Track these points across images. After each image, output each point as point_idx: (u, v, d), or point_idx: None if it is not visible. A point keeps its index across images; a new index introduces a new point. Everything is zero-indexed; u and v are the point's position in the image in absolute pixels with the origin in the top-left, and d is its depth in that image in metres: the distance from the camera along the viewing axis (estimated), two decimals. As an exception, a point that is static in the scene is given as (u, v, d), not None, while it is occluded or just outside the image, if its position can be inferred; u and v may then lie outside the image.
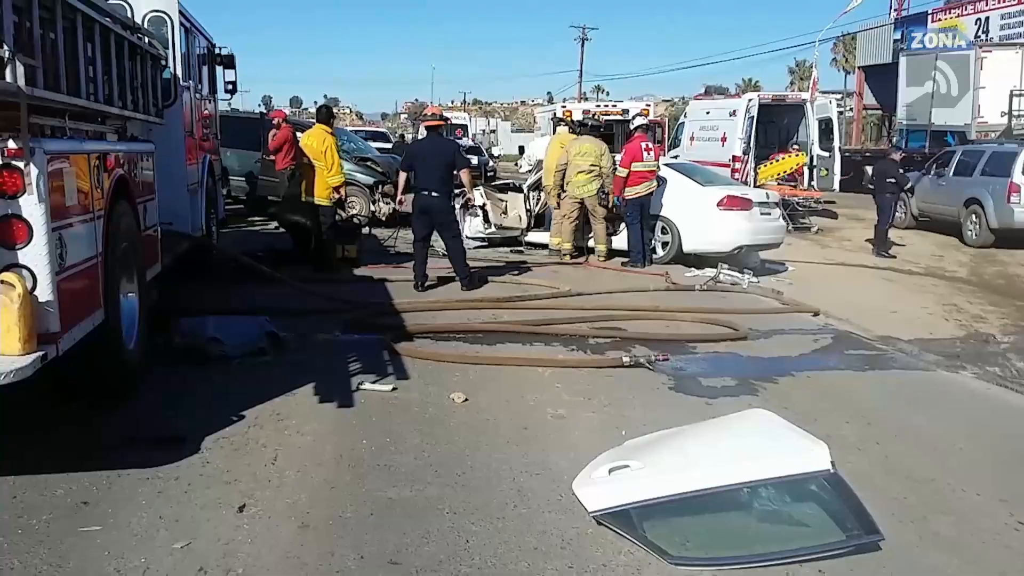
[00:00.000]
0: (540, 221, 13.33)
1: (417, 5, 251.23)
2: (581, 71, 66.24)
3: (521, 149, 25.66)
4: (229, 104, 15.26)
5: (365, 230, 12.85)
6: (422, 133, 12.26)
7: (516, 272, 10.77)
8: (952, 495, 4.36)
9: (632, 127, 12.64)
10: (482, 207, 12.94)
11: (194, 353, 6.28)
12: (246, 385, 5.68)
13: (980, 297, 11.36)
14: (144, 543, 3.55)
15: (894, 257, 14.30)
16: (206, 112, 10.35)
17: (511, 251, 12.83)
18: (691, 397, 5.88)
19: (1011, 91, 23.35)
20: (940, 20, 31.88)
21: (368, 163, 16.69)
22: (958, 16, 31.03)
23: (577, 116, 17.47)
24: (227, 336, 6.51)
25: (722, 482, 3.76)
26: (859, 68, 40.50)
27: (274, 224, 13.58)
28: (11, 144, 3.71)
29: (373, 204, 15.56)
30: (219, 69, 11.01)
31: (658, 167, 11.90)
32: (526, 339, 7.35)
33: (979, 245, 16.04)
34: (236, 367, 6.16)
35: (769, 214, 12.20)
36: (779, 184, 18.34)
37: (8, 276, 3.68)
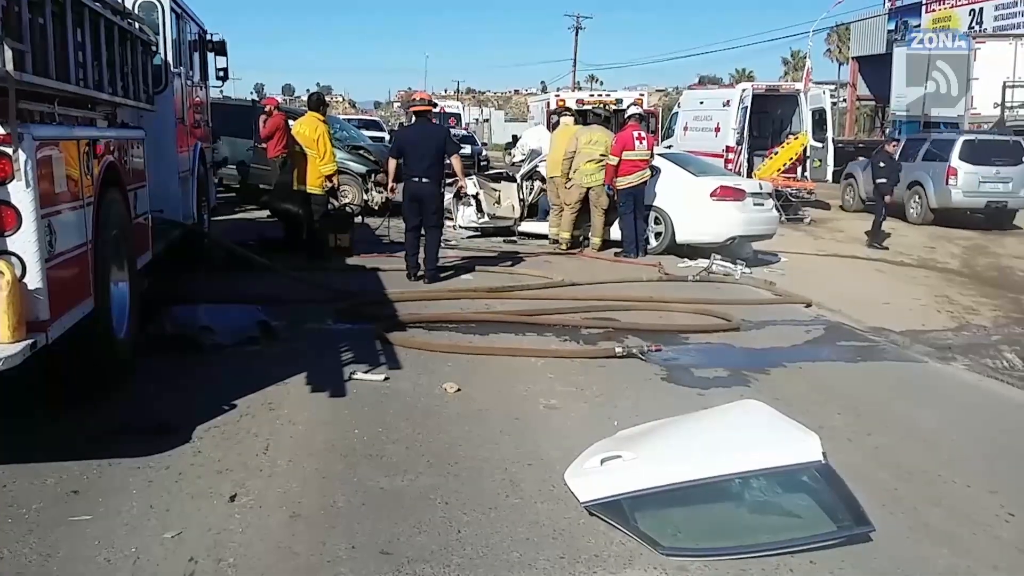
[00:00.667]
0: (533, 211, 13.31)
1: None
2: (575, 60, 65.98)
3: (514, 138, 25.63)
4: (221, 91, 15.20)
5: (358, 219, 12.80)
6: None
7: (509, 262, 10.75)
8: (943, 486, 4.37)
9: (626, 115, 12.62)
10: (475, 196, 12.91)
11: (186, 342, 6.25)
12: (238, 374, 5.66)
13: (972, 289, 11.39)
14: (134, 532, 3.53)
15: (886, 249, 14.31)
16: (197, 99, 10.28)
17: (504, 241, 12.81)
18: (683, 388, 5.88)
19: (1004, 82, 23.41)
20: (934, 11, 31.88)
21: (361, 152, 16.65)
22: (952, 7, 31.04)
23: (570, 105, 17.45)
24: (219, 325, 6.49)
25: (714, 473, 3.76)
26: (853, 59, 40.51)
27: (266, 213, 13.52)
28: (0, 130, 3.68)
29: (366, 193, 15.52)
30: (211, 56, 10.94)
31: (651, 156, 11.88)
32: (519, 329, 7.35)
33: (920, 223, 17.81)
34: (228, 356, 6.14)
35: (762, 205, 12.21)
36: (778, 174, 18.33)
37: (-3, 263, 3.65)
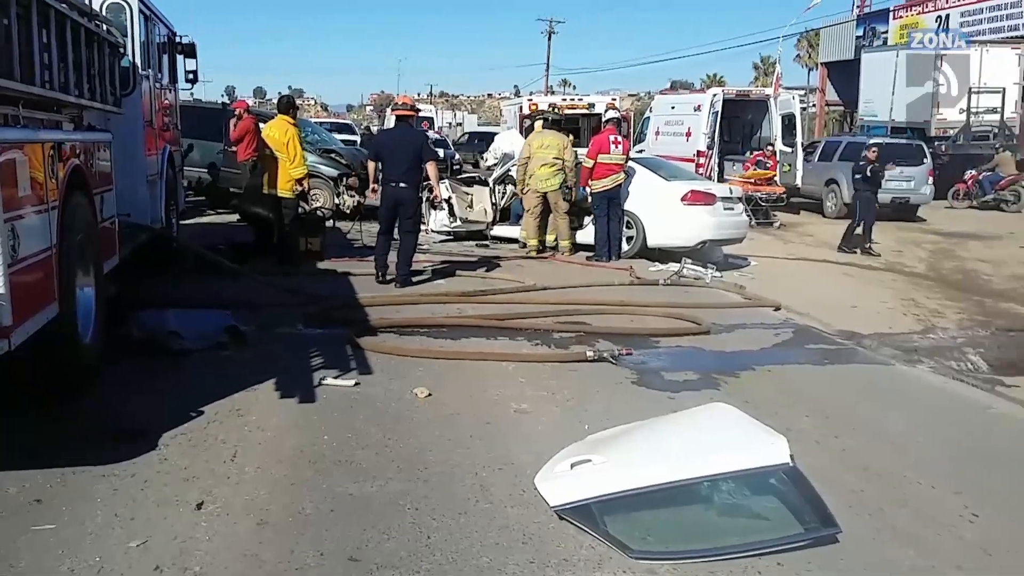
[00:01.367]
0: (506, 215, 13.30)
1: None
2: (548, 64, 66.25)
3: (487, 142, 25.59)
4: (191, 94, 15.06)
5: (329, 223, 12.73)
6: (390, 123, 12.15)
7: (481, 266, 10.74)
8: (909, 487, 4.43)
9: (604, 120, 12.67)
10: (447, 200, 12.89)
11: (153, 347, 6.19)
12: (206, 380, 5.61)
13: (938, 292, 11.54)
14: (99, 542, 3.49)
15: (856, 253, 14.41)
16: (166, 102, 10.19)
17: (476, 245, 12.79)
18: (654, 391, 5.91)
19: (970, 88, 23.79)
20: (901, 17, 32.33)
21: (332, 155, 16.53)
22: (919, 14, 31.50)
23: (543, 109, 17.47)
24: (187, 330, 6.44)
25: (683, 476, 3.78)
26: (822, 64, 40.95)
27: (236, 216, 13.41)
28: (-39, 133, 3.62)
29: (337, 197, 15.43)
30: (180, 58, 10.85)
31: (626, 161, 11.94)
32: (490, 333, 7.35)
33: (835, 216, 19.38)
34: (196, 361, 6.08)
35: (732, 209, 12.31)
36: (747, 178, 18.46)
37: (-43, 269, 3.59)
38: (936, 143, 24.24)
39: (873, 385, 6.53)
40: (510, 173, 13.13)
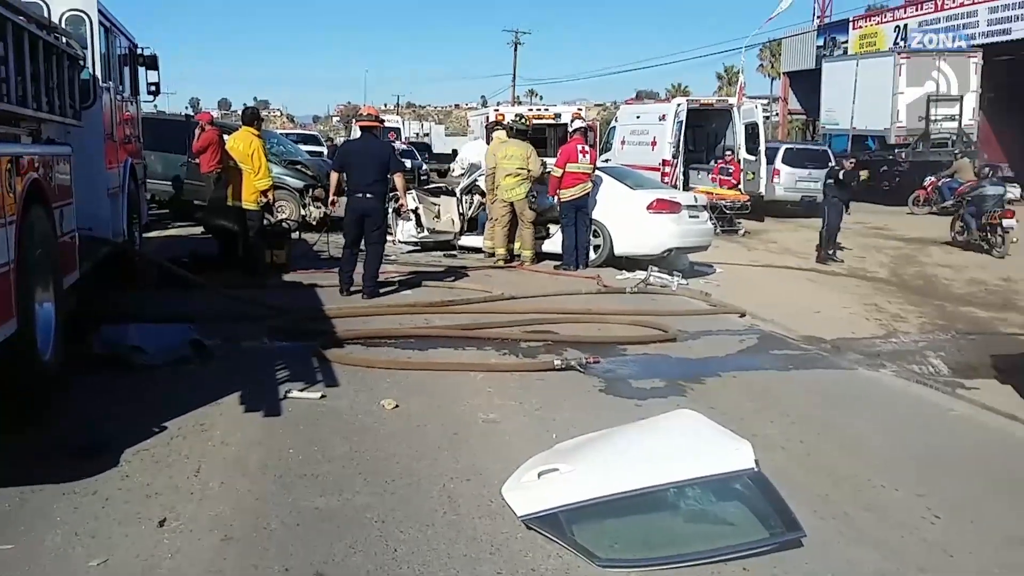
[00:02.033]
0: (473, 225, 13.31)
1: (351, 8, 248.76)
2: (515, 75, 66.60)
3: (454, 152, 25.65)
4: (155, 106, 14.93)
5: (295, 235, 12.65)
6: (356, 133, 12.11)
7: (449, 276, 10.73)
8: (872, 491, 4.48)
9: (571, 129, 12.75)
10: (415, 211, 12.87)
11: (115, 362, 6.10)
12: (169, 395, 5.54)
13: (900, 297, 11.72)
14: (59, 561, 3.43)
15: (841, 262, 14.49)
16: (128, 114, 10.08)
17: (444, 255, 12.78)
18: (621, 399, 5.93)
19: (928, 96, 24.23)
20: (861, 28, 32.88)
21: (298, 166, 16.45)
22: (878, 24, 32.06)
23: (510, 119, 17.55)
24: (149, 344, 6.35)
25: (649, 483, 3.80)
26: (784, 74, 41.51)
27: (200, 229, 13.28)
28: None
29: (303, 208, 15.35)
30: (142, 70, 10.74)
31: (593, 170, 12.01)
32: (458, 343, 7.34)
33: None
34: (159, 376, 6.00)
35: (697, 217, 12.43)
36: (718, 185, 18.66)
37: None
38: (896, 150, 24.70)
39: (837, 390, 6.60)
40: (477, 183, 13.16)
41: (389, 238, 11.62)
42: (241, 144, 10.21)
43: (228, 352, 6.68)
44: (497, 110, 23.26)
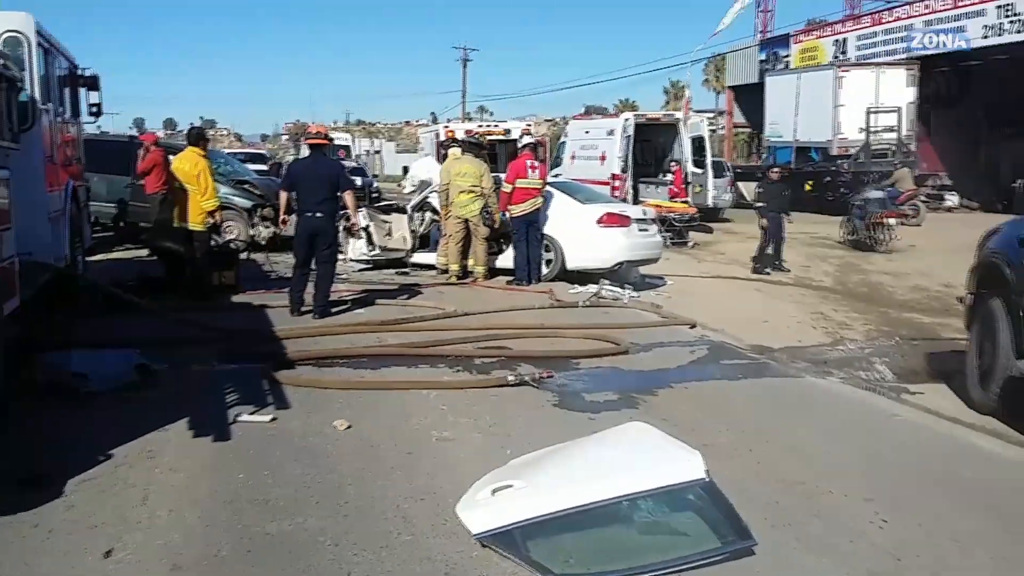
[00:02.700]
0: (425, 242, 13.29)
1: (298, 25, 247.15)
2: (464, 91, 66.65)
3: (405, 169, 25.57)
4: (98, 127, 14.68)
5: (243, 255, 12.50)
6: (305, 152, 12.04)
7: (402, 294, 10.68)
8: (821, 497, 4.55)
9: (520, 145, 12.82)
10: (366, 229, 12.81)
11: (58, 390, 5.95)
12: (115, 422, 5.41)
13: (845, 305, 11.96)
14: (-1, 598, 3.33)
15: (769, 273, 14.72)
16: (69, 136, 9.90)
17: (397, 273, 12.74)
18: (575, 413, 5.95)
19: (868, 108, 24.86)
20: (801, 42, 33.64)
21: (246, 186, 16.28)
22: (818, 38, 32.83)
23: (460, 136, 17.59)
24: (94, 370, 6.21)
25: (603, 496, 3.80)
26: (728, 88, 42.24)
27: (146, 251, 13.05)
28: None
29: (252, 228, 15.19)
30: (83, 91, 10.57)
31: (543, 185, 12.08)
32: (411, 362, 7.30)
33: None
34: (104, 403, 5.86)
35: (647, 230, 12.57)
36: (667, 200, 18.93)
37: None
38: (839, 161, 25.26)
39: (785, 397, 6.71)
40: (428, 200, 13.15)
41: (340, 257, 11.55)
42: (186, 164, 10.07)
43: (176, 376, 6.57)
44: (447, 127, 23.30)
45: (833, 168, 25.75)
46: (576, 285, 11.49)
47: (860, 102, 24.95)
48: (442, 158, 16.27)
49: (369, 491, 4.44)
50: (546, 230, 12.04)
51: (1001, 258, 6.56)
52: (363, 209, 13.11)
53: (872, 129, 24.77)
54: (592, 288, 11.06)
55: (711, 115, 41.64)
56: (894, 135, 24.75)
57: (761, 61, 35.81)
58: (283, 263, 11.69)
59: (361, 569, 3.59)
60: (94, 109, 10.78)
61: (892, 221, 17.76)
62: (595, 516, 3.78)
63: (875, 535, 4.10)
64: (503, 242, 12.36)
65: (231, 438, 5.23)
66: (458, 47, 75.95)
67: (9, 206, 6.21)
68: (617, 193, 18.63)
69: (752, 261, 15.11)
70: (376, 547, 3.79)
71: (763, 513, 4.19)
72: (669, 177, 20.31)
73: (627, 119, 20.32)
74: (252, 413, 5.64)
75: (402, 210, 13.66)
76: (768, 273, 14.62)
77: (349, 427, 5.44)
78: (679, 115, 21.56)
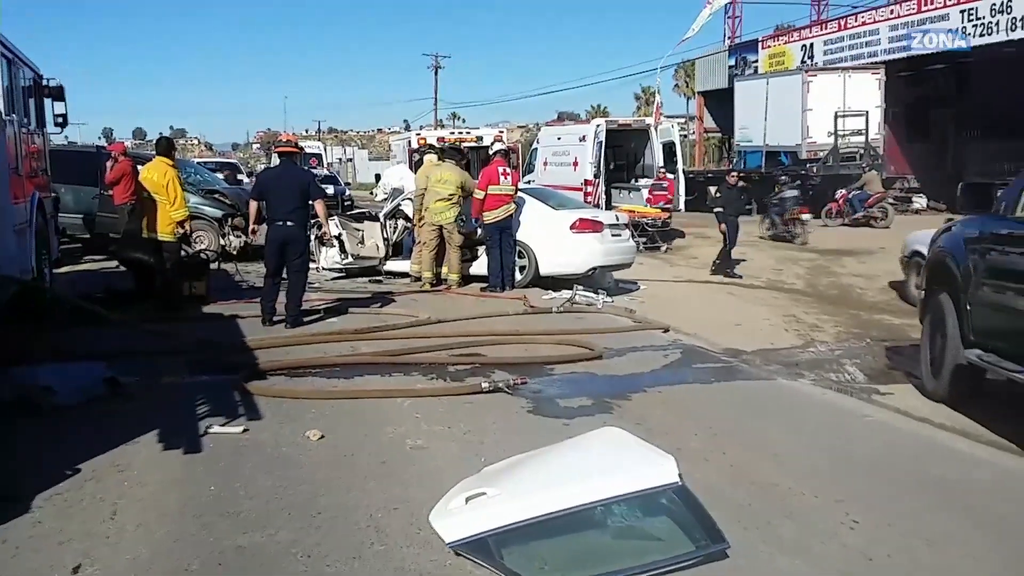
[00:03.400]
0: (398, 250, 13.25)
1: (269, 33, 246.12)
2: (436, 99, 66.66)
3: (377, 177, 25.49)
4: (66, 137, 14.51)
5: (214, 265, 12.38)
6: (275, 161, 11.96)
7: (375, 302, 10.63)
8: (793, 499, 4.58)
9: (491, 151, 12.83)
10: (338, 237, 12.75)
11: (25, 404, 5.85)
12: (83, 436, 5.34)
13: (816, 307, 12.06)
14: (-37, 618, 3.26)
15: (740, 277, 14.83)
16: (34, 147, 9.77)
17: (370, 281, 12.68)
18: (549, 419, 5.95)
19: (835, 112, 25.13)
20: (769, 47, 33.96)
21: (216, 195, 16.14)
22: (785, 43, 33.16)
23: (432, 143, 17.57)
24: (61, 384, 6.11)
25: (576, 502, 3.80)
26: (698, 93, 42.51)
27: (115, 262, 12.90)
28: None
29: (223, 238, 15.06)
30: (48, 101, 10.45)
31: (515, 191, 12.09)
32: (385, 370, 7.27)
33: None
34: (72, 417, 5.77)
35: (620, 235, 12.61)
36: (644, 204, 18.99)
37: None
38: (808, 165, 25.49)
39: (758, 400, 6.76)
40: (400, 207, 13.11)
41: (312, 265, 11.48)
42: (155, 174, 9.96)
43: (145, 389, 6.48)
44: (419, 134, 23.26)
45: (803, 172, 25.97)
46: (550, 291, 11.50)
47: (828, 106, 25.21)
48: (415, 165, 16.25)
49: (342, 501, 4.41)
50: (519, 236, 12.04)
51: (949, 256, 6.96)
52: (335, 217, 13.05)
53: (840, 133, 25.04)
54: (566, 294, 11.08)
55: (682, 120, 41.88)
56: (861, 139, 25.03)
57: (730, 66, 36.07)
58: (254, 273, 11.59)
59: (334, 580, 3.56)
60: (60, 119, 10.69)
61: (805, 216, 19.45)
62: (569, 522, 3.78)
63: (847, 536, 4.13)
64: (476, 249, 12.35)
65: (202, 450, 5.17)
66: (429, 54, 75.75)
67: (-28, 218, 6.13)
68: (589, 199, 18.66)
69: (712, 264, 15.20)
70: (348, 558, 3.76)
71: (736, 516, 4.21)
72: (643, 182, 20.34)
73: (599, 125, 20.37)
74: (223, 424, 5.57)
75: (374, 218, 13.60)
76: (740, 276, 14.72)
77: (322, 437, 5.40)
78: (650, 121, 21.64)
